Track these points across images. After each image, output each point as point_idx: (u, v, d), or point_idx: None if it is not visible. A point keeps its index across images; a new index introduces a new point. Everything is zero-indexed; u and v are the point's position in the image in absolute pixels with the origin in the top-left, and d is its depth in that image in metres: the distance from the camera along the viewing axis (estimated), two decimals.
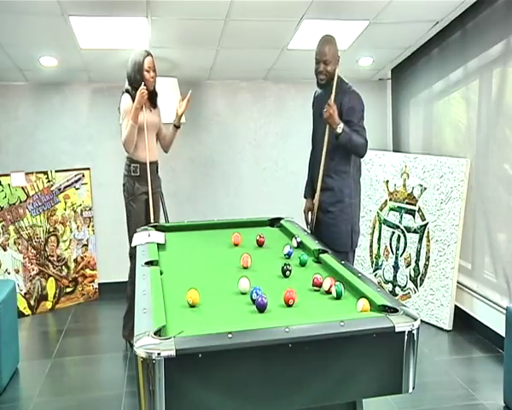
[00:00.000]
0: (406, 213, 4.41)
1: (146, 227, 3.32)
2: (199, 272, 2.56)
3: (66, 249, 4.73)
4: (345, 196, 3.30)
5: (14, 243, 4.47)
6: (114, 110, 4.63)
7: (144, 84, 3.55)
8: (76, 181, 4.76)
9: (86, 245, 4.84)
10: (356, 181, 3.38)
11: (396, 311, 1.90)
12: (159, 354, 1.60)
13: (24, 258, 4.51)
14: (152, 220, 3.69)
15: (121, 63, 4.25)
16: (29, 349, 3.95)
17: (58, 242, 4.69)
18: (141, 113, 3.58)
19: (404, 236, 4.42)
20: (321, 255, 2.68)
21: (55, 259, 4.68)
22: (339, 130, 3.13)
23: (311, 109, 3.52)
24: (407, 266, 4.38)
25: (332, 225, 3.33)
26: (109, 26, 3.74)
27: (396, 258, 4.51)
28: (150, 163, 3.69)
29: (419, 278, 4.26)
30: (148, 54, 3.63)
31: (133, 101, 3.61)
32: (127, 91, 3.67)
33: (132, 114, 3.55)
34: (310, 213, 3.53)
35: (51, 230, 4.64)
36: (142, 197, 3.77)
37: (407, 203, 4.41)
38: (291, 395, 1.74)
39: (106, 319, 4.55)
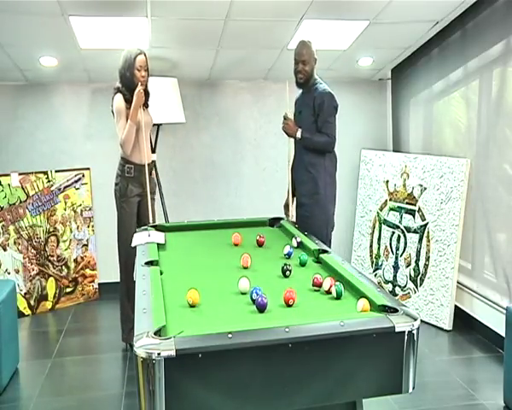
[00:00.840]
0: (406, 213, 4.41)
1: (146, 227, 3.32)
2: (199, 272, 2.56)
3: (66, 249, 4.73)
4: (319, 188, 3.59)
5: (14, 243, 4.47)
6: None
7: (140, 84, 3.51)
8: (76, 181, 4.76)
9: (86, 245, 4.84)
10: (331, 175, 3.66)
11: (396, 311, 1.90)
12: (159, 354, 1.60)
13: (24, 258, 4.51)
14: (151, 221, 3.68)
15: None
16: (29, 349, 3.95)
17: (58, 242, 4.69)
18: (138, 113, 3.56)
19: (404, 236, 4.42)
20: (321, 255, 2.68)
21: (55, 259, 4.67)
22: (298, 135, 3.58)
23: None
24: (407, 266, 4.38)
25: (307, 217, 3.57)
26: (109, 26, 3.74)
27: (396, 258, 4.51)
28: (147, 164, 3.64)
29: (419, 278, 4.26)
30: (141, 52, 3.54)
31: (125, 100, 3.57)
32: (119, 90, 3.59)
33: (131, 114, 3.52)
34: (288, 206, 3.80)
35: (51, 230, 4.64)
36: (134, 199, 3.72)
37: (407, 203, 4.41)
38: (291, 395, 1.74)
39: (106, 319, 4.54)
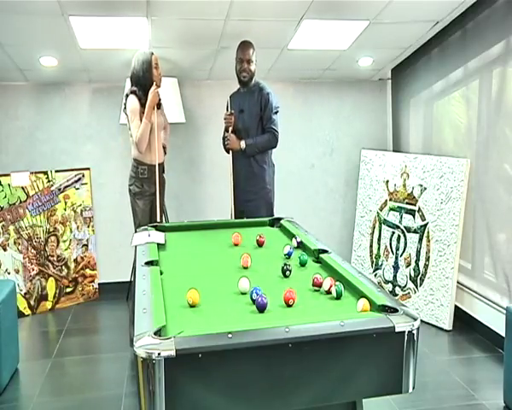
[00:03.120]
0: (406, 213, 4.41)
1: (146, 227, 3.32)
2: (199, 272, 2.56)
3: (66, 249, 4.73)
4: (266, 184, 3.98)
5: (14, 243, 4.47)
6: (114, 110, 4.66)
7: (155, 83, 3.70)
8: (76, 181, 4.76)
9: (86, 245, 4.84)
10: (272, 172, 4.04)
11: (396, 311, 1.90)
12: (159, 354, 1.60)
13: (24, 258, 4.51)
14: (158, 219, 3.74)
15: (121, 63, 4.26)
16: (29, 349, 3.94)
17: (58, 242, 4.69)
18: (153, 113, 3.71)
19: (404, 236, 4.42)
20: (321, 255, 2.68)
21: (55, 259, 4.67)
22: (243, 145, 3.91)
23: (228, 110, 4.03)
24: (407, 266, 4.38)
25: (252, 212, 3.84)
26: (109, 26, 3.74)
27: (396, 258, 4.51)
28: (159, 164, 3.82)
29: (419, 278, 4.26)
30: (153, 52, 3.78)
31: (139, 101, 3.70)
32: (133, 92, 3.74)
33: (146, 112, 3.67)
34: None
35: (51, 230, 4.64)
36: (150, 198, 3.88)
37: (407, 203, 4.41)
38: (291, 395, 1.74)
39: (106, 319, 4.55)
